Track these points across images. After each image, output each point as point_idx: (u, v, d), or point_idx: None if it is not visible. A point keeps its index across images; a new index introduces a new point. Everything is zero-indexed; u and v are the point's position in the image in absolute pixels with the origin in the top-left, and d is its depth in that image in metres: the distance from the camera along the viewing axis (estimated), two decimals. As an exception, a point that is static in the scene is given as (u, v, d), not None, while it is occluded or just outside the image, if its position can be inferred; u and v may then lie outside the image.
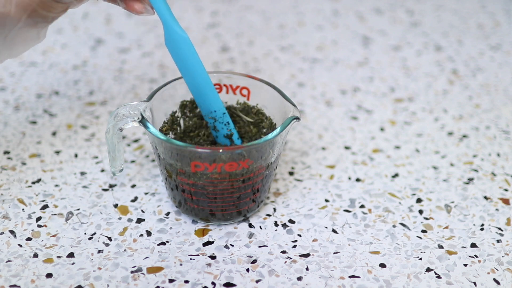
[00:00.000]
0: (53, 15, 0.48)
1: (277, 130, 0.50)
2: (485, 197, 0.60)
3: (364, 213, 0.57)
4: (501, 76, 0.80)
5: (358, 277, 0.51)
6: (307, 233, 0.55)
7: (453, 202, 0.59)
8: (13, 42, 0.49)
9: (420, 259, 0.53)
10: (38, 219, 0.55)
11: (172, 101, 0.57)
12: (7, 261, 0.51)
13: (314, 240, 0.54)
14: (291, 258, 0.52)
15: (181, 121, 0.58)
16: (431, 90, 0.76)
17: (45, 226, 0.54)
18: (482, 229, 0.56)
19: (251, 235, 0.55)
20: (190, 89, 0.55)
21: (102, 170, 0.61)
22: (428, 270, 0.52)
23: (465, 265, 0.53)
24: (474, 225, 0.57)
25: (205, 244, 0.53)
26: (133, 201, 0.58)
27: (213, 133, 0.58)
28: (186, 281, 0.50)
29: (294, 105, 0.52)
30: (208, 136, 0.58)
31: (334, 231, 0.55)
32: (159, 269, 0.51)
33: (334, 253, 0.53)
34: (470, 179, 0.62)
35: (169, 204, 0.57)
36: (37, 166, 0.61)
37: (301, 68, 0.80)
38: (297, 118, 0.51)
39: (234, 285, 0.50)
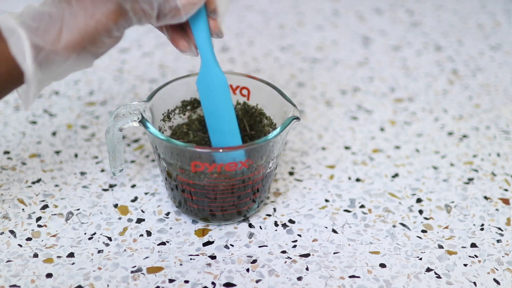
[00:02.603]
0: (103, 50, 0.46)
1: (277, 130, 0.50)
2: (485, 197, 0.60)
3: (364, 213, 0.57)
4: (501, 76, 0.80)
5: (358, 277, 0.51)
6: (307, 233, 0.55)
7: (453, 202, 0.59)
8: (62, 75, 0.47)
9: (420, 259, 0.53)
10: (38, 219, 0.55)
11: (172, 101, 0.57)
12: (7, 261, 0.51)
13: (314, 240, 0.54)
14: (291, 258, 0.52)
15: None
16: (431, 90, 0.76)
17: (45, 226, 0.54)
18: (482, 229, 0.56)
19: (251, 235, 0.54)
20: (212, 128, 0.54)
21: (102, 170, 0.61)
22: (428, 270, 0.52)
23: (465, 265, 0.53)
24: (474, 225, 0.57)
25: (205, 244, 0.53)
26: (133, 201, 0.58)
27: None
28: (186, 281, 0.50)
29: (294, 105, 0.52)
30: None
31: (334, 231, 0.55)
32: (159, 269, 0.51)
33: (334, 253, 0.53)
34: (470, 179, 0.62)
35: (169, 204, 0.57)
36: (37, 166, 0.61)
37: (301, 68, 0.80)
38: (297, 118, 0.51)
39: (234, 285, 0.50)
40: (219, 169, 0.50)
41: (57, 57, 0.44)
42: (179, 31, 0.50)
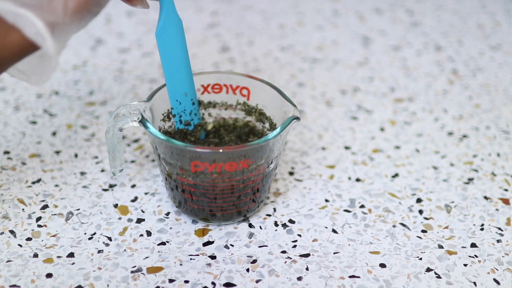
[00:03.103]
0: (103, 8, 0.47)
1: (277, 130, 0.50)
2: (485, 197, 0.60)
3: (364, 213, 0.57)
4: (501, 76, 0.80)
5: (358, 277, 0.51)
6: (307, 233, 0.55)
7: (453, 202, 0.59)
8: (67, 41, 0.47)
9: (420, 259, 0.53)
10: (38, 219, 0.55)
11: (172, 101, 0.57)
12: (7, 261, 0.51)
13: (314, 240, 0.54)
14: (291, 258, 0.52)
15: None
16: (431, 90, 0.76)
17: (45, 226, 0.54)
18: (482, 229, 0.56)
19: (251, 235, 0.55)
20: (171, 78, 0.54)
21: (102, 170, 0.61)
22: (428, 270, 0.52)
23: (465, 265, 0.53)
24: (474, 225, 0.57)
25: (205, 244, 0.53)
26: (133, 201, 0.58)
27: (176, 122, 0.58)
28: (186, 281, 0.50)
29: (294, 105, 0.52)
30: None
31: (334, 231, 0.55)
32: (159, 269, 0.51)
33: (334, 253, 0.53)
34: (470, 179, 0.62)
35: (169, 204, 0.57)
36: (37, 166, 0.61)
37: (301, 68, 0.80)
38: (297, 118, 0.51)
39: (234, 285, 0.50)
40: (219, 169, 0.50)
41: (68, 26, 0.44)
42: None
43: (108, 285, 0.49)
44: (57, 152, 0.63)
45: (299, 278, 0.51)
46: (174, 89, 0.55)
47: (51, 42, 0.44)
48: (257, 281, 0.50)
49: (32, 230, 0.54)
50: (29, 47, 0.44)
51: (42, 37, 0.43)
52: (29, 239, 0.53)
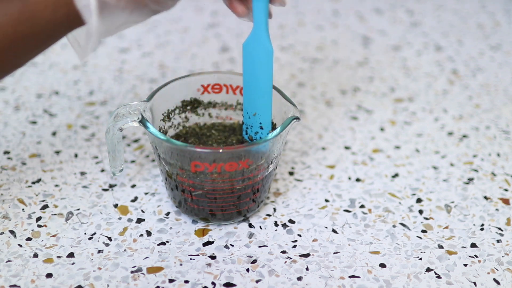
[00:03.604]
0: (162, 9, 0.47)
1: (277, 130, 0.50)
2: (485, 197, 0.60)
3: (364, 213, 0.57)
4: (501, 76, 0.80)
5: (358, 277, 0.51)
6: (307, 233, 0.55)
7: (453, 202, 0.59)
8: (119, 28, 0.48)
9: (420, 259, 0.53)
10: (38, 219, 0.55)
11: (172, 101, 0.57)
12: (7, 261, 0.51)
13: (314, 240, 0.54)
14: (291, 258, 0.52)
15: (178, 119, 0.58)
16: (431, 90, 0.76)
17: (45, 226, 0.54)
18: (482, 229, 0.56)
19: (251, 235, 0.54)
20: (247, 95, 0.55)
21: (102, 170, 0.61)
22: (428, 270, 0.52)
23: (465, 265, 0.53)
24: (474, 225, 0.57)
25: (205, 244, 0.53)
26: (133, 201, 0.58)
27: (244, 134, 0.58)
28: (186, 281, 0.50)
29: (294, 105, 0.52)
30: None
31: (334, 231, 0.55)
32: (159, 269, 0.51)
33: (334, 253, 0.53)
34: (470, 179, 0.62)
35: (169, 204, 0.57)
36: (37, 166, 0.61)
37: (301, 68, 0.80)
38: (297, 118, 0.51)
39: (234, 285, 0.50)
40: (219, 169, 0.50)
41: (119, 13, 0.45)
42: None
43: (108, 285, 0.49)
44: (57, 152, 0.63)
45: (299, 278, 0.51)
46: (246, 103, 0.55)
47: (95, 19, 0.44)
48: (257, 281, 0.50)
49: (32, 230, 0.54)
50: (74, 23, 0.45)
51: (90, 11, 0.44)
52: (29, 239, 0.53)
